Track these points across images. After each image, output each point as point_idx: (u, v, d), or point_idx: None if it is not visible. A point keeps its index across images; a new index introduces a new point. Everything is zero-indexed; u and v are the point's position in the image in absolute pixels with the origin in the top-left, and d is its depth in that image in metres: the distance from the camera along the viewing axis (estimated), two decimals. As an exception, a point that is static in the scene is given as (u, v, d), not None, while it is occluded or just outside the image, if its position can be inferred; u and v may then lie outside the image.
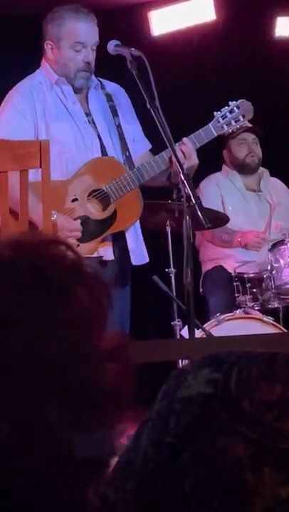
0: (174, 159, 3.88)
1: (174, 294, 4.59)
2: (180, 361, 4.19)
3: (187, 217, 3.75)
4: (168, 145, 3.89)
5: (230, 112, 4.25)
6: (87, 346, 0.81)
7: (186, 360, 3.98)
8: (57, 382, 0.79)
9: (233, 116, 4.25)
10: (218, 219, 4.72)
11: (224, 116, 4.22)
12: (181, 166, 3.79)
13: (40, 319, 0.80)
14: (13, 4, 5.32)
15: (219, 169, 5.53)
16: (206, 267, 5.35)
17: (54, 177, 3.83)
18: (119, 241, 4.10)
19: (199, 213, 3.71)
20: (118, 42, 4.06)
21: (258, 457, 0.73)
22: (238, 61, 5.91)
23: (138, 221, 4.16)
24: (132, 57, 3.94)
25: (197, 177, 5.32)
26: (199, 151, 4.14)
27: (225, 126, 4.21)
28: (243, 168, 5.43)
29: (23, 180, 3.44)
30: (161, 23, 5.74)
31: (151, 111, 3.89)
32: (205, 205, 4.90)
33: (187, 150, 4.00)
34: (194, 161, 4.04)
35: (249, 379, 0.78)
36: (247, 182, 5.48)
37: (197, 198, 3.77)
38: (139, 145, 4.22)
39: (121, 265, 4.11)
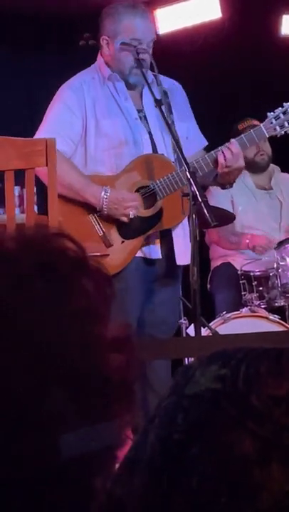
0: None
1: (180, 292, 4.59)
2: (186, 359, 4.19)
3: (194, 216, 3.75)
4: (173, 141, 3.89)
5: (284, 113, 4.09)
6: (89, 336, 0.82)
7: (192, 359, 3.98)
8: (58, 370, 0.79)
9: (287, 117, 4.09)
10: (225, 217, 4.71)
11: (277, 118, 4.09)
12: (186, 163, 3.78)
13: (41, 308, 0.81)
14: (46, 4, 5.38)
15: None
16: (215, 263, 5.35)
17: (102, 172, 3.93)
18: (166, 239, 4.06)
19: (206, 211, 3.70)
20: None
21: (266, 452, 0.73)
22: (243, 59, 5.91)
23: (186, 220, 4.10)
24: (138, 55, 3.95)
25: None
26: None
27: (278, 128, 4.09)
28: (253, 167, 5.42)
29: (29, 178, 3.43)
30: (167, 21, 5.74)
31: (158, 109, 3.89)
32: (214, 205, 4.90)
33: (236, 151, 3.95)
34: (241, 163, 4.00)
35: (257, 375, 0.77)
36: (257, 180, 5.47)
37: (203, 196, 3.76)
38: (193, 143, 4.16)
39: (170, 263, 4.06)
